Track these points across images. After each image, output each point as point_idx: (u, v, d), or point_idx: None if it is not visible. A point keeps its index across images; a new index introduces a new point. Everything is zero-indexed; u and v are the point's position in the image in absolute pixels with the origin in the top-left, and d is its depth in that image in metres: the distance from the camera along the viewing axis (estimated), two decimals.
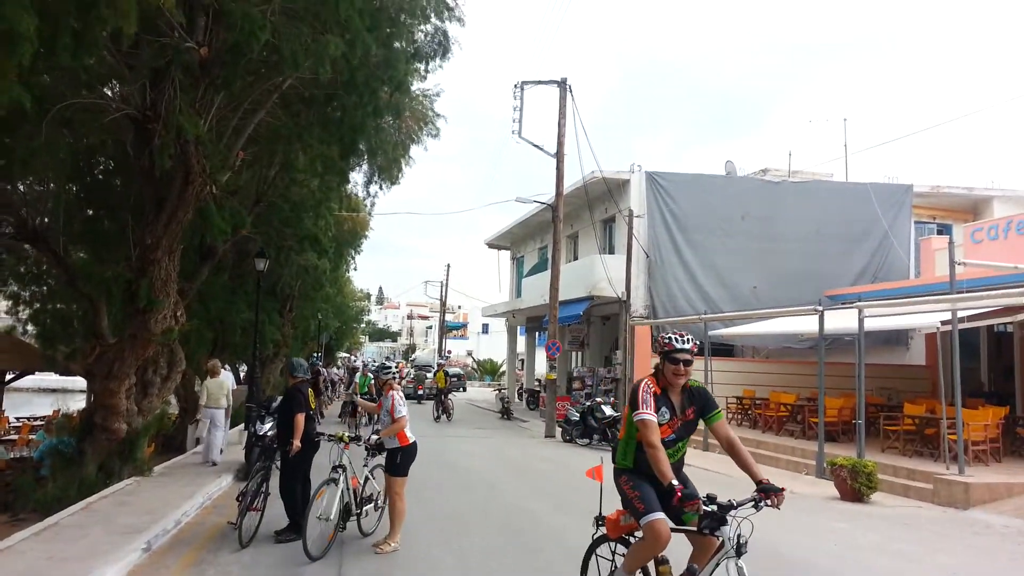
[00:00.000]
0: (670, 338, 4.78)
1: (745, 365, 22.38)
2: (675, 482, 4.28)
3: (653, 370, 4.91)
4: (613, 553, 5.15)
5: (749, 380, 21.01)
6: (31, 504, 10.37)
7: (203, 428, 14.25)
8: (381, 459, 8.21)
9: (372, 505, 8.42)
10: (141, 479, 11.25)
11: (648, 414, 4.53)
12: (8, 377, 17.55)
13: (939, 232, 24.05)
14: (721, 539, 4.31)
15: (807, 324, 16.14)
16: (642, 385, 4.69)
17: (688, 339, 4.77)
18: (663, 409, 4.66)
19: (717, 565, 4.34)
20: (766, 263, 22.70)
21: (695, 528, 4.45)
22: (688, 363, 4.70)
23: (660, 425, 4.58)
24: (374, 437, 8.08)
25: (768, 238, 22.90)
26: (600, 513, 5.22)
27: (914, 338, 22.77)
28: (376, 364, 24.34)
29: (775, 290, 21.50)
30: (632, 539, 4.93)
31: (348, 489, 7.92)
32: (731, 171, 25.61)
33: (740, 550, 4.22)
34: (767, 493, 4.37)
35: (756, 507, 4.35)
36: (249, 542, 7.79)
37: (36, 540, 7.62)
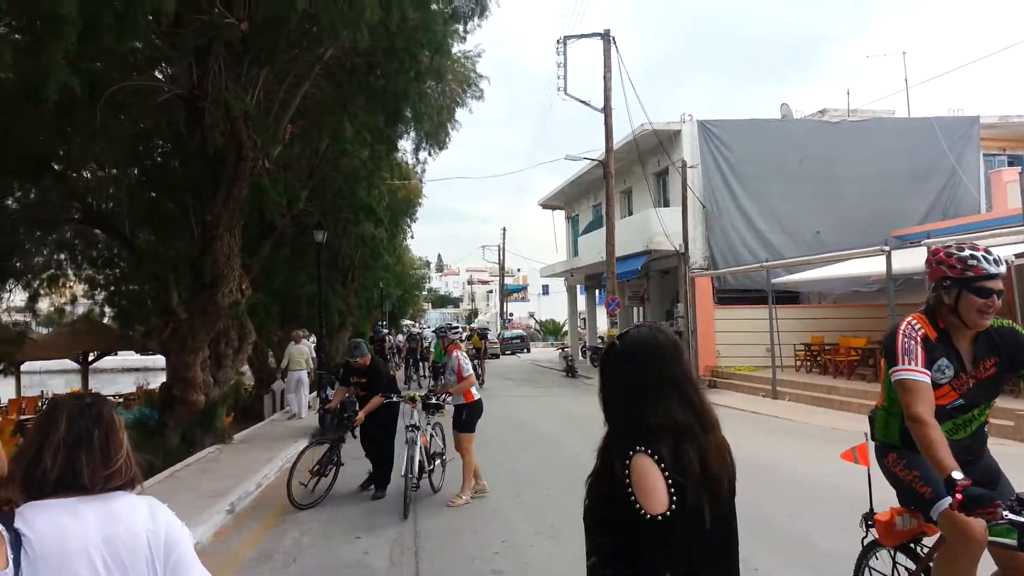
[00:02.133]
0: (972, 257, 3.08)
1: (812, 312, 21.90)
2: (957, 474, 2.68)
3: (924, 305, 3.33)
4: (893, 567, 3.71)
5: (816, 326, 20.56)
6: None
7: (288, 387, 15.61)
8: (440, 418, 8.42)
9: (439, 461, 8.62)
10: (222, 447, 11.72)
11: (913, 371, 3.05)
12: (91, 357, 18.41)
13: (1010, 163, 22.92)
14: None
15: (874, 266, 15.65)
16: (903, 328, 3.18)
17: (996, 257, 3.10)
18: (941, 363, 3.15)
19: None
20: (828, 207, 22.01)
21: (1013, 543, 2.76)
22: (1001, 294, 3.09)
23: (938, 386, 3.13)
24: (437, 397, 8.27)
25: (829, 181, 22.18)
26: (870, 509, 3.74)
27: None
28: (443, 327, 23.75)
29: (839, 234, 20.85)
30: (919, 548, 3.48)
31: (421, 447, 8.11)
32: (787, 114, 24.82)
33: None
34: None
35: None
36: (313, 504, 8.02)
37: None
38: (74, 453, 1.90)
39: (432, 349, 20.62)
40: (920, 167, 22.38)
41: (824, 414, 14.38)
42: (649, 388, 2.07)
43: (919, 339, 3.11)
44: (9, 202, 13.20)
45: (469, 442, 8.04)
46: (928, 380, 3.05)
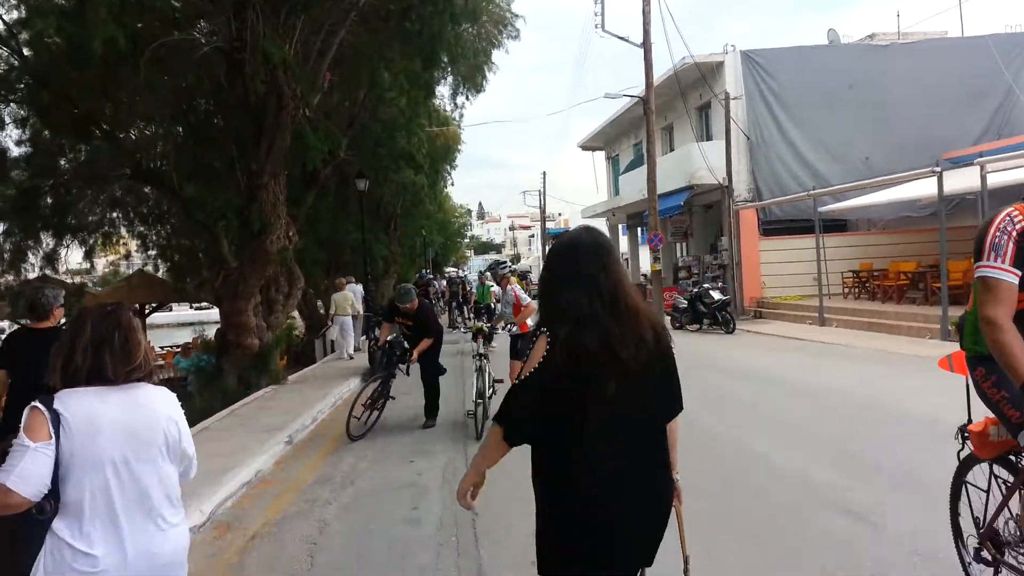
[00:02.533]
0: None
1: (860, 239, 21.48)
2: None
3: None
4: (991, 480, 3.35)
5: (865, 254, 20.21)
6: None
7: (335, 332, 16.30)
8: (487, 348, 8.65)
9: (493, 390, 8.82)
10: (277, 387, 12.16)
11: (997, 269, 2.69)
12: (147, 310, 19.10)
13: None
14: None
15: (925, 189, 15.25)
16: (997, 220, 2.77)
17: None
18: None
19: None
20: (878, 133, 21.36)
21: None
22: None
23: None
24: (503, 328, 8.49)
25: (878, 106, 21.45)
26: (967, 421, 3.51)
27: None
28: (489, 265, 23.46)
29: (889, 160, 20.24)
30: (1020, 461, 3.13)
31: (489, 373, 8.37)
32: (834, 40, 23.96)
33: None
34: None
35: None
36: (365, 435, 8.30)
37: None
38: (99, 352, 2.34)
39: (474, 291, 19.91)
40: (974, 88, 21.50)
41: (873, 338, 14.25)
42: (564, 280, 2.38)
43: (1014, 234, 2.69)
44: (62, 162, 13.64)
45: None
46: (1014, 280, 2.66)
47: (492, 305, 14.91)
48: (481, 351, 8.38)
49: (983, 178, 12.67)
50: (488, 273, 17.04)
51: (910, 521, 4.65)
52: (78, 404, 2.26)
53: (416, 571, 4.47)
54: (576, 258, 2.40)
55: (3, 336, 5.77)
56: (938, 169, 13.65)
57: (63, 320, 5.30)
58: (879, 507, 4.95)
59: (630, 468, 2.32)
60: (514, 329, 8.50)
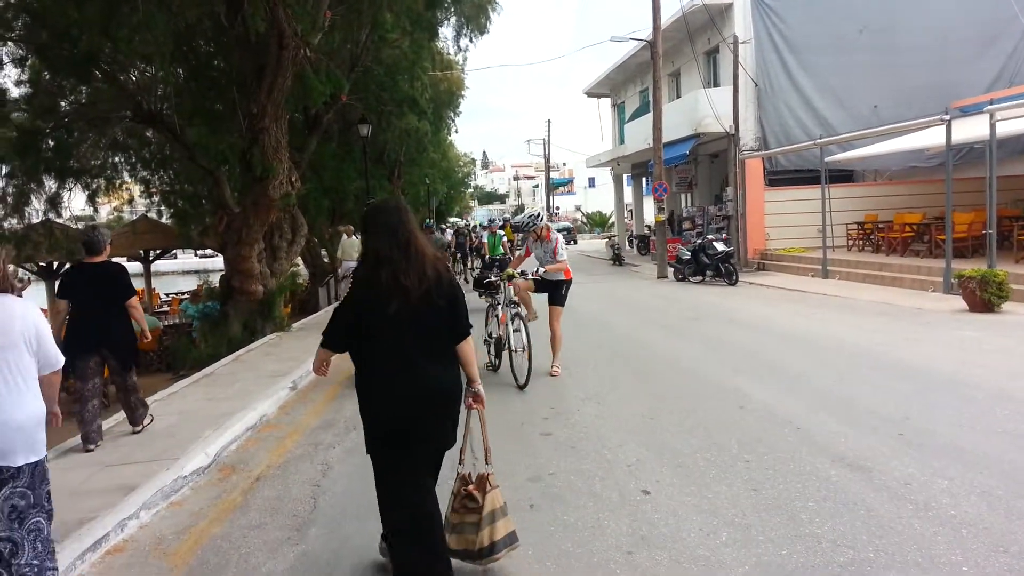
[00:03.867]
0: None
1: (866, 190, 21.30)
2: None
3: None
4: None
5: (871, 205, 20.06)
6: (188, 362, 11.55)
7: (343, 275, 16.84)
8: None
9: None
10: (282, 334, 12.25)
11: None
12: (152, 256, 19.13)
13: None
14: None
15: (933, 138, 15.04)
16: None
17: None
18: None
19: None
20: (888, 79, 20.97)
21: None
22: None
23: None
24: (541, 270, 8.43)
25: (889, 51, 21.02)
26: None
27: None
28: (501, 219, 21.78)
29: (899, 108, 19.93)
30: None
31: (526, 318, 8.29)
32: None
33: None
34: None
35: None
36: None
37: (196, 387, 8.56)
38: None
39: (485, 241, 17.66)
40: (988, 32, 21.02)
41: (875, 290, 14.26)
42: (374, 232, 3.32)
43: None
44: (62, 103, 13.50)
45: (561, 315, 8.44)
46: None
47: (506, 256, 14.40)
48: (514, 298, 8.29)
49: (992, 127, 12.48)
50: (499, 221, 16.18)
51: (903, 470, 4.72)
52: None
53: None
54: (383, 216, 3.37)
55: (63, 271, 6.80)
56: (947, 117, 13.44)
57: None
58: (873, 455, 5.02)
59: (414, 367, 3.23)
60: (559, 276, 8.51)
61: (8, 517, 3.10)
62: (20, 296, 3.35)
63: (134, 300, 6.40)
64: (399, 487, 3.34)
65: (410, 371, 3.22)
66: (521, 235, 12.16)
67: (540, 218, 8.76)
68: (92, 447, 6.04)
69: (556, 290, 8.40)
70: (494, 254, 15.64)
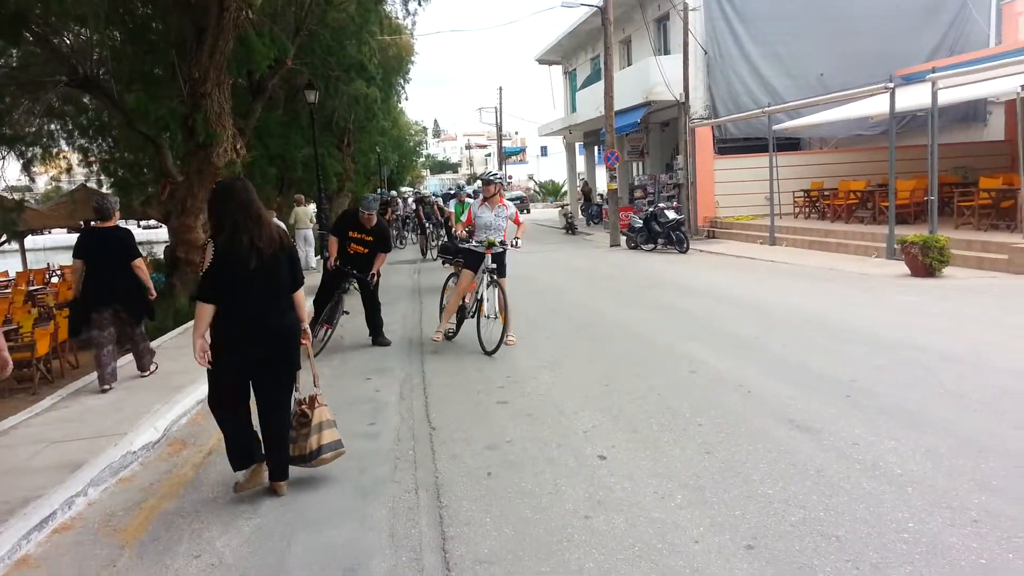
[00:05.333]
0: None
1: (812, 158, 21.64)
2: None
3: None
4: None
5: (817, 172, 20.40)
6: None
7: (299, 245, 16.40)
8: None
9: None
10: None
11: None
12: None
13: None
14: None
15: (877, 105, 15.33)
16: None
17: None
18: None
19: None
20: (835, 47, 21.24)
21: None
22: None
23: None
24: (518, 241, 8.28)
25: (836, 19, 21.25)
26: None
27: (992, 113, 21.46)
28: (460, 187, 19.65)
29: (844, 76, 20.19)
30: None
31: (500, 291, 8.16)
32: None
33: None
34: None
35: None
36: (319, 352, 8.09)
37: None
38: None
39: (452, 211, 15.42)
40: (930, 2, 21.46)
41: (821, 256, 14.57)
42: (227, 204, 4.17)
43: None
44: None
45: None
46: None
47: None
48: (491, 265, 8.06)
49: (934, 95, 12.76)
50: (468, 189, 14.84)
51: (851, 431, 4.85)
52: None
53: (373, 482, 4.53)
54: (237, 194, 4.21)
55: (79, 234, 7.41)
56: (891, 85, 13.69)
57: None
58: (821, 417, 5.15)
59: (265, 311, 4.21)
60: (519, 242, 8.36)
61: None
62: None
63: (139, 261, 7.14)
64: (233, 411, 4.34)
65: (267, 313, 4.22)
66: (464, 198, 11.85)
67: (498, 176, 8.67)
68: (107, 387, 6.91)
69: (503, 260, 8.33)
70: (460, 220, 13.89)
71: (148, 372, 7.42)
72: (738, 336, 8.03)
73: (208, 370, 4.22)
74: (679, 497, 4.00)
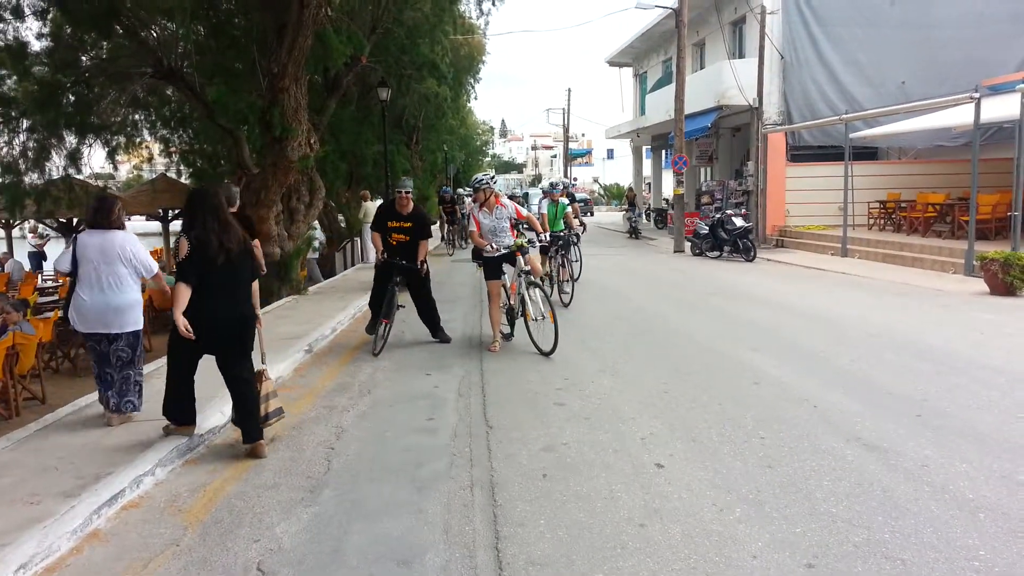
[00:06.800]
0: None
1: (890, 168, 20.96)
2: None
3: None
4: None
5: (894, 183, 19.76)
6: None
7: (365, 239, 17.67)
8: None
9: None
10: (298, 297, 12.28)
11: None
12: (170, 216, 19.18)
13: None
14: None
15: (961, 116, 14.74)
16: None
17: None
18: None
19: None
20: (918, 54, 20.51)
21: None
22: None
23: None
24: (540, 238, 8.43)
25: (921, 26, 20.52)
26: None
27: None
28: (561, 184, 18.24)
29: (927, 84, 19.51)
30: None
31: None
32: None
33: None
34: None
35: None
36: (381, 349, 8.23)
37: None
38: (95, 215, 5.51)
39: (545, 212, 12.21)
40: (1021, 10, 20.50)
41: (895, 270, 14.09)
42: (200, 209, 4.97)
43: None
44: (83, 58, 13.45)
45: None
46: None
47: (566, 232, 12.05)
48: (526, 267, 8.04)
49: (1023, 106, 12.20)
50: (560, 187, 13.21)
51: (920, 451, 4.68)
52: (84, 236, 5.46)
53: (430, 477, 4.58)
54: (208, 200, 5.02)
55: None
56: (976, 95, 13.15)
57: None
58: (890, 436, 4.98)
59: (230, 301, 4.98)
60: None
61: (115, 365, 5.48)
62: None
63: (256, 242, 7.64)
64: (187, 377, 5.12)
65: (229, 302, 4.97)
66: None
67: (494, 179, 8.59)
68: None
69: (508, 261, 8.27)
70: (555, 229, 11.97)
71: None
72: (804, 348, 7.83)
73: (170, 343, 5.08)
74: (738, 511, 3.93)
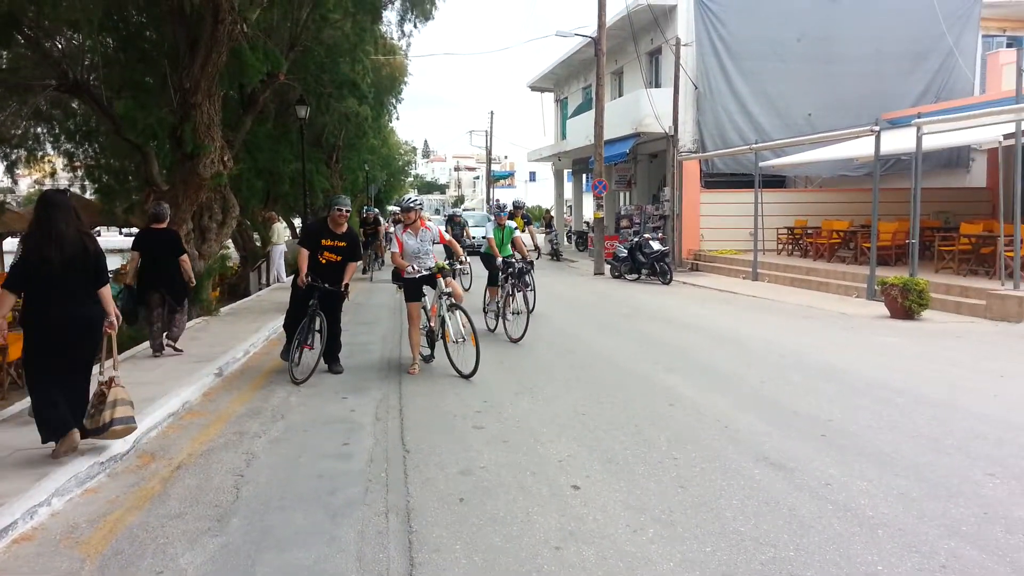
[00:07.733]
0: None
1: (797, 196, 21.90)
2: None
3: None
4: None
5: (801, 210, 20.63)
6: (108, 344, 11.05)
7: (273, 260, 18.25)
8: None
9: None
10: (209, 318, 11.88)
11: None
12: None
13: (1009, 45, 22.44)
14: None
15: (863, 148, 15.56)
16: None
17: None
18: None
19: None
20: (822, 88, 21.60)
21: None
22: None
23: None
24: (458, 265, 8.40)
25: (825, 60, 21.64)
26: None
27: (975, 160, 21.84)
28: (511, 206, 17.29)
29: (831, 116, 20.55)
30: None
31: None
32: None
33: None
34: None
35: None
36: (307, 378, 7.79)
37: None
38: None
39: (491, 237, 11.54)
40: (918, 48, 21.86)
41: (801, 294, 14.68)
42: (40, 215, 4.98)
43: None
44: None
45: None
46: None
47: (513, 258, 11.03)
48: (447, 289, 7.94)
49: (919, 140, 12.96)
50: (509, 208, 12.64)
51: (824, 470, 4.85)
52: None
53: (343, 504, 4.46)
54: (52, 201, 5.01)
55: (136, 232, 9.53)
56: (877, 128, 13.90)
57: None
58: (796, 455, 5.15)
59: (72, 304, 4.92)
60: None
61: None
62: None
63: (185, 256, 8.78)
64: (47, 383, 4.96)
65: (62, 305, 4.90)
66: (505, 221, 11.23)
67: (420, 203, 8.62)
68: (158, 353, 8.73)
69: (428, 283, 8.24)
70: (505, 254, 11.21)
71: (173, 343, 8.92)
72: (717, 370, 8.04)
73: (24, 350, 5.07)
74: (651, 531, 3.98)
